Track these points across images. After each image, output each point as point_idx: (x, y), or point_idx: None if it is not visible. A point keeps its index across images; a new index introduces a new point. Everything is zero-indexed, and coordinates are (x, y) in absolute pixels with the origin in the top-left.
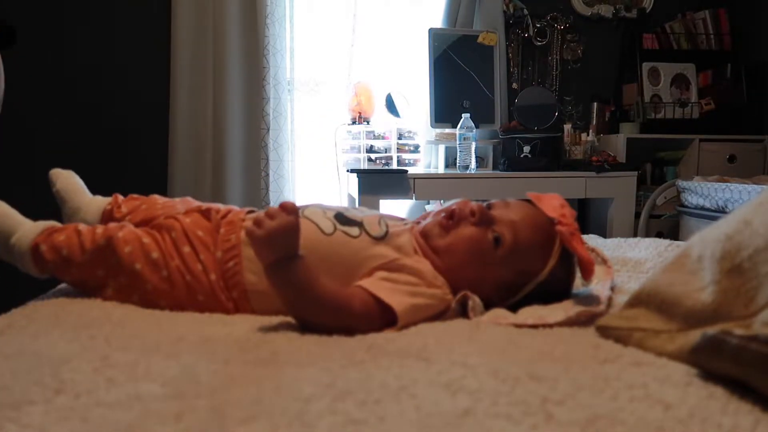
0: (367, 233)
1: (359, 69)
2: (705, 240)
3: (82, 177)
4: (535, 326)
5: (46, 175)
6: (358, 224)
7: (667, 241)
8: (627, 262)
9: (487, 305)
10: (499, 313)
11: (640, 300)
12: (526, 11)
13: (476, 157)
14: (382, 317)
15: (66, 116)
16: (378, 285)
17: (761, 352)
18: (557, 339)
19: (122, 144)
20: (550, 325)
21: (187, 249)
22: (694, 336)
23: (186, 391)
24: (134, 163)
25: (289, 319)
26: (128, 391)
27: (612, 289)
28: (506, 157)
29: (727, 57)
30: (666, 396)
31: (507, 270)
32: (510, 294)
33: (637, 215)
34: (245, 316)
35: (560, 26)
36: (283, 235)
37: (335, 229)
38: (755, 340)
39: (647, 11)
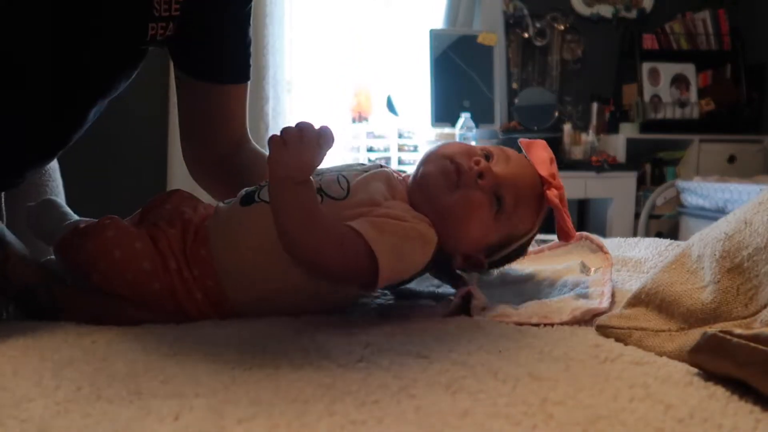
0: (328, 196)
1: (359, 69)
2: (705, 239)
3: (81, 178)
4: (537, 325)
5: None
6: (318, 190)
7: (667, 241)
8: (627, 261)
9: (466, 263)
10: (503, 311)
11: (640, 299)
12: (526, 11)
13: None
14: (368, 266)
15: None
16: (365, 226)
17: (761, 352)
18: (557, 338)
19: (122, 145)
20: (553, 325)
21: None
22: (694, 336)
23: (185, 390)
24: (134, 163)
25: (288, 320)
26: (129, 387)
27: (611, 290)
28: None
29: (727, 57)
30: (666, 396)
31: (498, 232)
32: (491, 254)
33: (637, 215)
34: (243, 318)
35: (560, 26)
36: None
37: None
38: (755, 339)
39: (647, 11)
